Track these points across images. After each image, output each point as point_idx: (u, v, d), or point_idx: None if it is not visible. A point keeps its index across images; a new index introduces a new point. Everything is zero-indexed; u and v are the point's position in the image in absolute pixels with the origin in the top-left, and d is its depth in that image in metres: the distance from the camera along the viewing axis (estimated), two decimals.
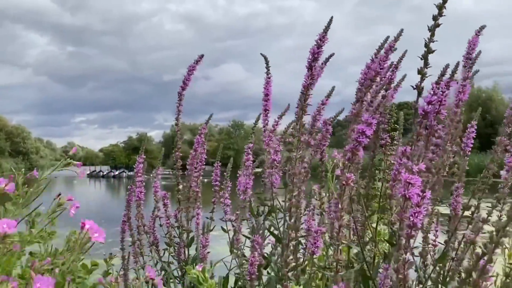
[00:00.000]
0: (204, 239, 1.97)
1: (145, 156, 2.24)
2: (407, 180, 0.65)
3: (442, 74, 0.83)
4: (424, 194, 0.65)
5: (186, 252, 2.06)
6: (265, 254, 1.34)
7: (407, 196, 0.64)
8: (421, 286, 1.03)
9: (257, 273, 0.88)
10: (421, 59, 0.85)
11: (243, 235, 1.69)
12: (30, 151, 58.94)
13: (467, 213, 1.15)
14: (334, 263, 0.68)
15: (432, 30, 0.86)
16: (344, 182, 0.71)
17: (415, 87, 0.83)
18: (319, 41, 0.93)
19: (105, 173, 44.36)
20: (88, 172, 46.60)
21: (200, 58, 1.88)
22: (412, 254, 1.25)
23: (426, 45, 0.85)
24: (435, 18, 0.88)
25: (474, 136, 1.20)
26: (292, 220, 0.76)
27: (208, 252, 2.02)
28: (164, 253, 2.16)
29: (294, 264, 0.76)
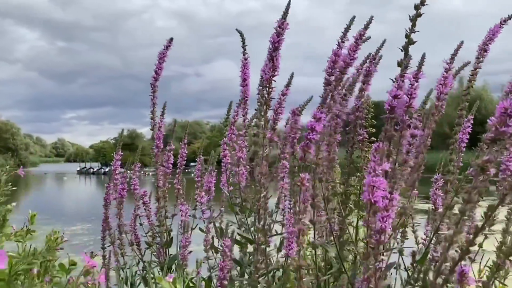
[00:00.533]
0: (184, 239, 1.91)
1: (122, 153, 2.17)
2: (371, 184, 0.60)
3: (406, 66, 0.78)
4: (392, 196, 0.60)
5: (167, 252, 2.01)
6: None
7: (372, 201, 0.59)
8: (409, 287, 0.99)
9: (228, 279, 0.83)
10: (402, 50, 0.81)
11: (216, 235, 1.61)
12: (20, 147, 58.22)
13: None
14: (297, 269, 0.63)
15: (413, 20, 0.81)
16: (298, 184, 0.66)
17: (394, 80, 0.78)
18: (278, 28, 0.85)
19: (95, 169, 43.92)
20: (78, 169, 46.17)
21: (170, 43, 1.72)
22: (402, 254, 1.21)
23: (407, 36, 0.81)
24: (417, 7, 0.83)
25: (470, 131, 1.16)
26: (261, 223, 0.70)
27: (190, 252, 1.96)
28: (144, 252, 2.11)
29: (264, 270, 0.70)
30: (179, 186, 2.10)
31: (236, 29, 1.48)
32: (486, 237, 1.45)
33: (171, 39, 1.75)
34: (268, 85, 0.83)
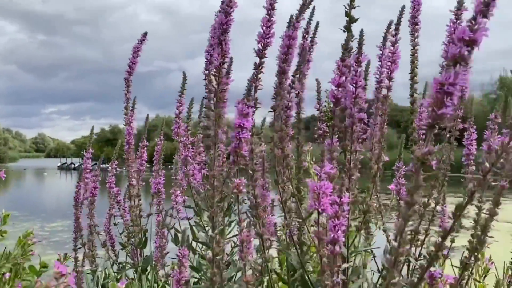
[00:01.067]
0: (158, 239, 1.85)
1: (93, 151, 2.09)
2: (316, 190, 0.54)
3: (345, 47, 0.68)
4: (342, 200, 0.54)
5: (142, 253, 1.95)
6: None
7: (320, 210, 0.54)
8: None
9: None
10: (344, 31, 0.71)
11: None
12: None
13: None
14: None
15: None
16: (235, 190, 0.60)
17: (337, 66, 0.70)
18: (226, 7, 0.73)
19: (76, 165, 42.97)
20: (59, 164, 45.15)
21: (144, 37, 1.74)
22: (374, 256, 1.17)
23: (347, 14, 0.70)
24: None
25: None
26: (215, 232, 0.65)
27: (167, 253, 1.91)
28: (118, 253, 2.06)
29: (220, 283, 0.65)
30: (151, 184, 2.04)
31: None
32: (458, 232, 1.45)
33: (145, 33, 1.77)
34: (217, 74, 0.72)
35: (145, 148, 2.00)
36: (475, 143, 1.27)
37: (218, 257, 0.61)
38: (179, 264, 0.72)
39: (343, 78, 0.69)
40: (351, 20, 0.71)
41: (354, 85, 0.69)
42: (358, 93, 0.69)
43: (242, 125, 0.66)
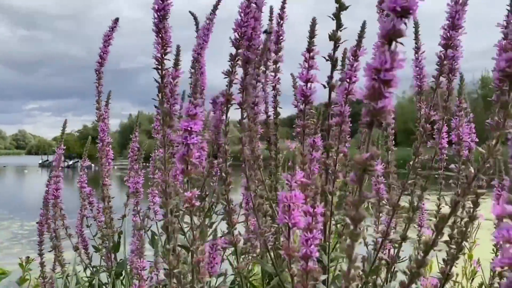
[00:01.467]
0: (133, 243, 1.76)
1: (65, 147, 1.98)
2: (285, 201, 0.46)
3: (311, 35, 0.62)
4: (315, 210, 0.47)
5: (115, 257, 1.85)
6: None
7: (290, 224, 0.47)
8: None
9: None
10: (333, 19, 0.64)
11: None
12: None
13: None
14: None
15: None
16: (187, 205, 0.52)
17: (327, 58, 0.64)
18: None
19: None
20: (40, 162, 44.18)
21: (115, 23, 1.63)
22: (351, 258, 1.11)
23: (337, 1, 0.64)
24: None
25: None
26: (171, 244, 0.56)
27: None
28: (92, 256, 1.96)
29: None
30: (129, 184, 1.94)
31: (190, 11, 1.43)
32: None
33: (117, 19, 1.66)
34: (160, 67, 0.63)
35: (110, 146, 1.90)
36: (446, 136, 1.20)
37: (175, 271, 0.53)
38: (138, 278, 0.63)
39: (312, 72, 0.61)
40: (341, 7, 0.65)
41: (348, 80, 0.63)
42: (351, 89, 0.62)
43: (189, 128, 0.56)
